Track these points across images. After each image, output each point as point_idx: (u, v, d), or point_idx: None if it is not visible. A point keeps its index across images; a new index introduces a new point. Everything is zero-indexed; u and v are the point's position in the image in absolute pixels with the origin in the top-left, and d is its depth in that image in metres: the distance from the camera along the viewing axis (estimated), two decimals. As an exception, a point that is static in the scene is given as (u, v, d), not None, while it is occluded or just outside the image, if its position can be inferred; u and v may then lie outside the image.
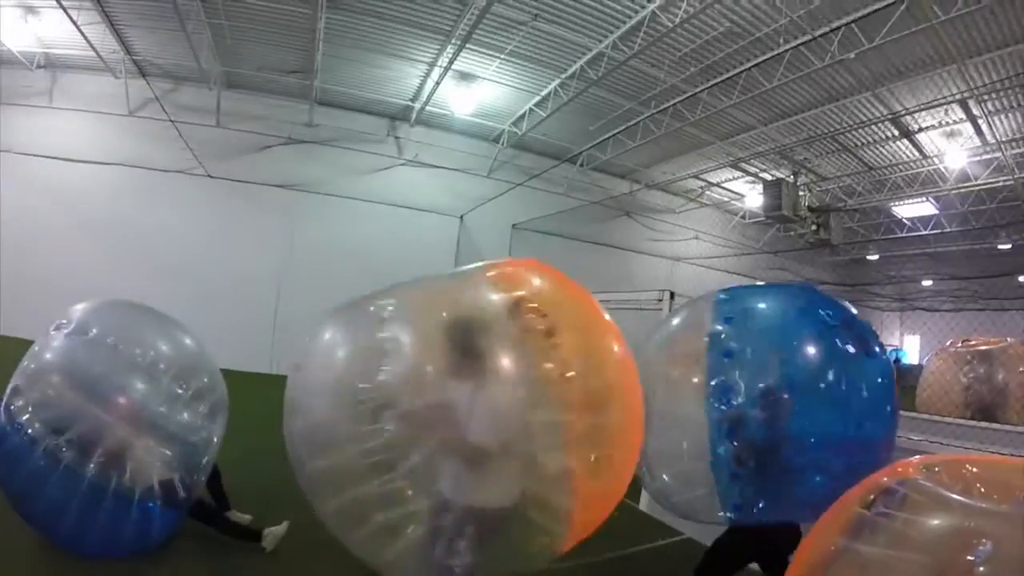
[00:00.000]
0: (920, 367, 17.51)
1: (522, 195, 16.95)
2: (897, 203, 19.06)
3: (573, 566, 5.14)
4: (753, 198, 19.75)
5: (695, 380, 3.71)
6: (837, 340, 3.60)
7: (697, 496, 3.64)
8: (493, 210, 16.88)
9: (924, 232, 20.20)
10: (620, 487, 3.13)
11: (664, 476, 3.86)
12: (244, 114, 15.62)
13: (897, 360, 27.52)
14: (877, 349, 3.73)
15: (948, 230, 19.55)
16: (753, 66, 11.24)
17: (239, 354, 11.79)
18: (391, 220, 16.56)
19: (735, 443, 3.44)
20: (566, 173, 18.25)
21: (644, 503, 6.75)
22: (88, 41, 12.61)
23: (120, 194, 14.95)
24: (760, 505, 3.46)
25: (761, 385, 3.47)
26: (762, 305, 4.02)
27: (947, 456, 2.92)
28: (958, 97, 12.22)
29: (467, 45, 11.84)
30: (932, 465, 2.42)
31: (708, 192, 20.91)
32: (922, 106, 12.83)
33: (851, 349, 3.59)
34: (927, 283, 27.05)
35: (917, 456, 2.69)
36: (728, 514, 3.55)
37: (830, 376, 3.50)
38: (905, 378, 14.95)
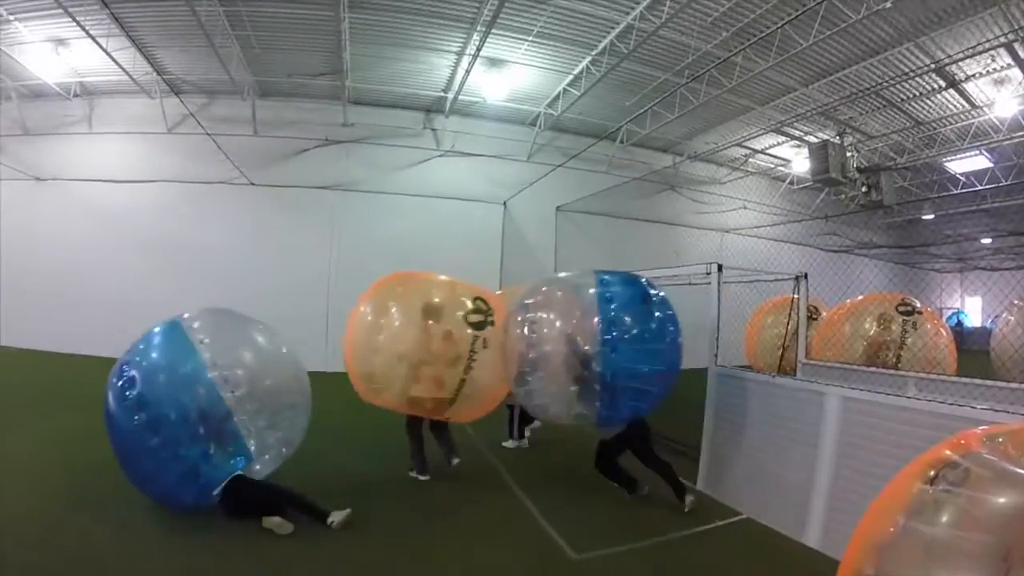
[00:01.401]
0: (985, 330, 16.81)
1: (564, 176, 16.73)
2: (949, 158, 18.31)
3: (636, 548, 5.10)
4: (800, 163, 19.28)
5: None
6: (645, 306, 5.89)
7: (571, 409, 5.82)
8: (536, 194, 16.70)
9: (980, 187, 19.38)
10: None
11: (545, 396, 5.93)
12: (280, 120, 15.84)
13: (959, 323, 26.59)
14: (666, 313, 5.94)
15: (1004, 183, 18.69)
16: (786, 24, 10.85)
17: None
18: (434, 212, 16.59)
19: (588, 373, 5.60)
20: (606, 151, 18.05)
21: (701, 482, 6.69)
22: (120, 66, 12.91)
23: (166, 210, 15.37)
24: (610, 410, 5.72)
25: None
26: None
27: (1013, 425, 2.77)
28: (1003, 40, 11.63)
29: (493, 30, 11.72)
30: (996, 436, 2.29)
31: (753, 160, 20.48)
32: (966, 52, 12.21)
33: (654, 312, 5.86)
34: (986, 241, 25.65)
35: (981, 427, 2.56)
36: (583, 412, 5.76)
37: (644, 329, 5.74)
38: (967, 342, 14.35)
